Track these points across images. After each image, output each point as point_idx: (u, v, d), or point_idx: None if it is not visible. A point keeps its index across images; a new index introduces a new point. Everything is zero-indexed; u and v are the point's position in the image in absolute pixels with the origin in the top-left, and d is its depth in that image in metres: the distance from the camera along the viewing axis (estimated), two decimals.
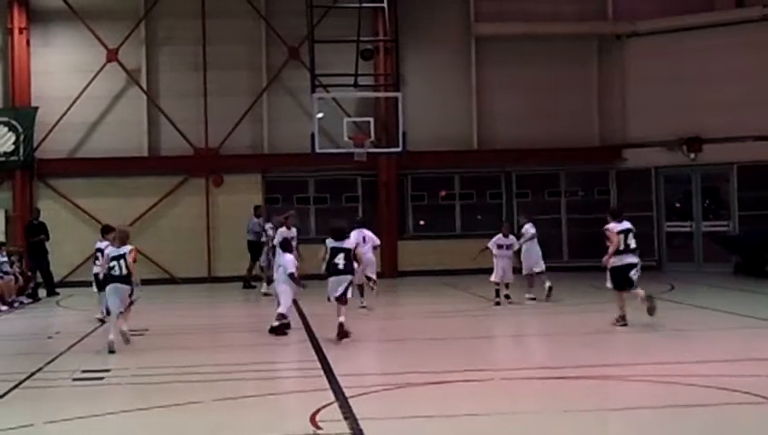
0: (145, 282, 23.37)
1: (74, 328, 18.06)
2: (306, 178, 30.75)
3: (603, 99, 31.31)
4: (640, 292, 16.50)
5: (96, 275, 18.38)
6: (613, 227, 16.81)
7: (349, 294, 15.76)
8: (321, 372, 12.29)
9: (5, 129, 29.07)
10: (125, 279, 15.09)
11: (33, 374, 12.72)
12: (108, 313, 15.96)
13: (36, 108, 29.31)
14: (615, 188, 31.47)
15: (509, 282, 20.83)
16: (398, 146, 26.93)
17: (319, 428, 9.07)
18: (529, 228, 21.92)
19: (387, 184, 30.34)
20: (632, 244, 16.67)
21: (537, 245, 21.99)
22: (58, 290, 25.59)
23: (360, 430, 8.87)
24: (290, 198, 30.31)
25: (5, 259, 23.45)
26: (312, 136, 26.12)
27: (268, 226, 24.07)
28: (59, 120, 29.42)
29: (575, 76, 31.19)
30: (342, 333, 15.22)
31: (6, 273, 23.12)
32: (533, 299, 21.09)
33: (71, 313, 21.52)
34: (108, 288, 15.28)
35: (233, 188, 30.00)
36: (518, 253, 21.41)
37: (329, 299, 15.68)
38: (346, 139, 26.53)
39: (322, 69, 26.86)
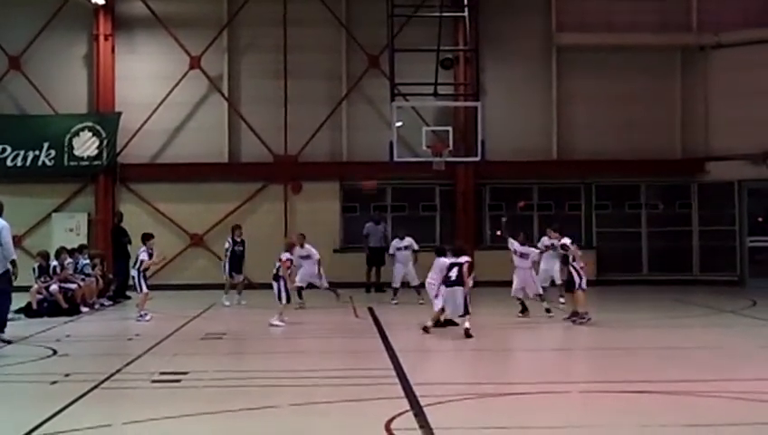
0: (222, 286, 23.79)
1: (153, 331, 18.27)
2: (384, 186, 30.79)
3: (686, 110, 30.86)
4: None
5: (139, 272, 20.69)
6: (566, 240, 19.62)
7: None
8: (397, 380, 12.25)
9: (90, 134, 29.60)
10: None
11: (112, 375, 12.88)
12: None
13: (120, 113, 29.80)
14: (696, 202, 30.99)
15: (536, 293, 20.37)
16: (476, 155, 26.82)
17: None
18: (544, 241, 21.99)
19: (464, 193, 30.25)
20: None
21: (551, 261, 22.01)
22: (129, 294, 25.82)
23: None
24: (367, 207, 30.38)
25: (88, 262, 23.83)
26: (391, 144, 26.14)
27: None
28: (141, 126, 29.88)
29: (657, 87, 30.81)
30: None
31: (88, 275, 23.49)
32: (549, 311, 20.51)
33: (150, 315, 21.77)
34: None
35: (311, 196, 30.18)
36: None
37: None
38: (424, 148, 26.53)
39: (402, 78, 26.88)
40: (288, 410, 10.51)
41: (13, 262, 16.86)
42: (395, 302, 23.64)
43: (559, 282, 22.00)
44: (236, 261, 24.14)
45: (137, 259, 21.12)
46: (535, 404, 10.98)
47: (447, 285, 17.21)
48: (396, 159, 26.19)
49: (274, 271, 19.36)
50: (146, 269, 20.95)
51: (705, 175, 30.62)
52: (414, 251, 24.20)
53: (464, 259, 17.49)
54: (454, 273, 17.18)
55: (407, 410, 10.19)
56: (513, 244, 20.63)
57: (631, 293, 26.99)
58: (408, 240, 24.32)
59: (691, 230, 30.97)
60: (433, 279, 18.22)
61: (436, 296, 17.81)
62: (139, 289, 20.88)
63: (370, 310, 22.18)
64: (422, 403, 10.50)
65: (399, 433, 9.09)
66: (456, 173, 29.73)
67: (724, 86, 30.07)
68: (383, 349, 15.58)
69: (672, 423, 9.75)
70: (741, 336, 17.90)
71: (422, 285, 20.93)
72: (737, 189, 30.34)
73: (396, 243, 24.66)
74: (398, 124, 26.86)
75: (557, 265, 22.04)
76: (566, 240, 19.79)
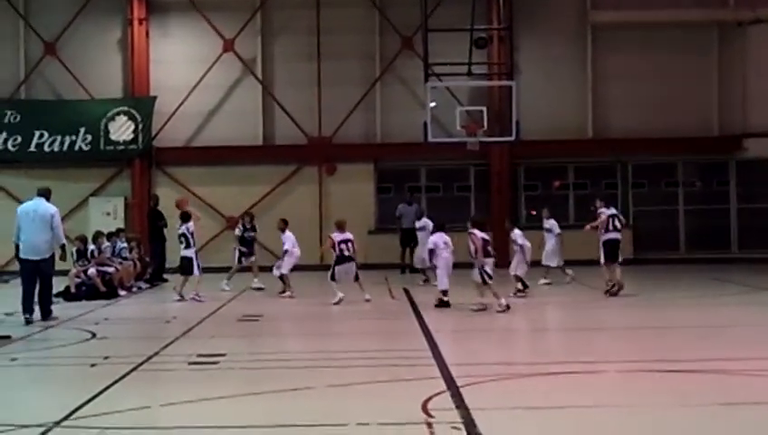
0: (261, 268, 23.87)
1: (190, 313, 18.39)
2: (418, 166, 30.77)
3: (723, 87, 30.54)
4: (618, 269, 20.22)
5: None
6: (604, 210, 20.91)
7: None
8: (433, 361, 12.26)
9: (125, 118, 29.77)
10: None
11: (150, 358, 12.98)
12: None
13: (154, 97, 29.94)
14: (734, 179, 30.72)
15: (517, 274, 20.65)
16: (511, 135, 26.70)
17: (431, 416, 9.04)
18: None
19: (499, 173, 30.16)
20: (618, 225, 20.73)
21: (548, 242, 22.99)
22: (167, 277, 26.00)
23: (472, 420, 8.81)
24: (402, 187, 30.36)
25: (125, 245, 24.00)
26: (425, 125, 26.09)
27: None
28: (176, 110, 30.02)
29: (694, 64, 30.50)
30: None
31: (126, 258, 23.66)
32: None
33: (187, 298, 21.89)
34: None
35: (345, 177, 30.20)
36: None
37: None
38: (459, 128, 26.45)
39: (436, 58, 26.80)
40: (325, 392, 10.55)
41: (63, 246, 17.22)
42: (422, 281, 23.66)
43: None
44: (248, 246, 24.31)
45: (187, 239, 21.25)
46: (571, 384, 10.95)
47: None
48: (430, 139, 26.15)
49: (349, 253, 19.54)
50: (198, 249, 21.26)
51: (743, 152, 30.32)
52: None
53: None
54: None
55: (443, 391, 10.20)
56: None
57: (668, 272, 26.81)
58: (424, 221, 24.27)
59: (729, 208, 30.70)
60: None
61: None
62: (197, 270, 21.15)
63: (405, 291, 22.19)
64: (458, 384, 10.50)
65: (436, 413, 9.10)
66: (491, 153, 29.63)
67: (762, 62, 29.75)
68: (419, 330, 15.60)
69: (709, 402, 9.70)
70: None
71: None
72: None
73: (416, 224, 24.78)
74: (432, 105, 26.79)
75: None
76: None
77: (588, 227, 21.47)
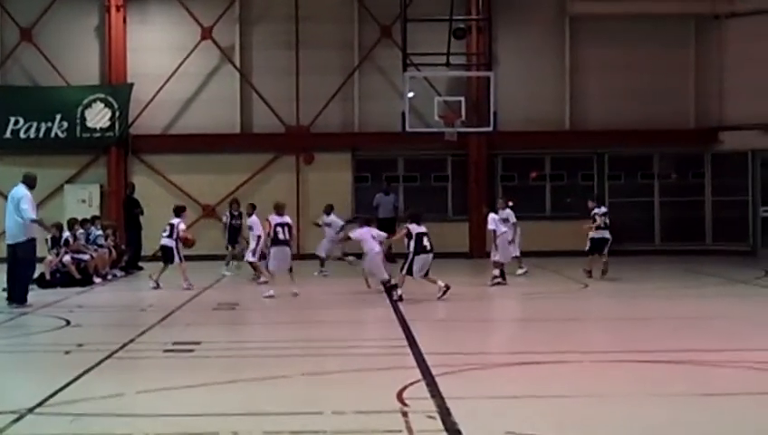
0: (235, 257, 23.82)
1: (166, 301, 18.33)
2: (396, 156, 30.77)
3: (700, 80, 30.69)
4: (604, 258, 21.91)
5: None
6: (597, 210, 22.22)
7: None
8: (408, 350, 12.27)
9: (102, 105, 29.62)
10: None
11: (125, 345, 12.93)
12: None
13: (131, 85, 29.80)
14: (710, 172, 30.87)
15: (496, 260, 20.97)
16: (488, 126, 26.75)
17: (406, 405, 9.05)
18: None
19: (477, 164, 30.21)
20: (608, 222, 22.33)
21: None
22: (142, 265, 25.96)
23: (447, 409, 8.83)
24: (379, 177, 30.37)
25: (100, 233, 23.91)
26: (403, 115, 26.10)
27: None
28: (153, 97, 29.89)
29: (671, 57, 30.63)
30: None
31: (101, 246, 23.57)
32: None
33: (162, 286, 21.86)
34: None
35: (323, 166, 30.18)
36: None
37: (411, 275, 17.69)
38: (437, 118, 26.50)
39: (414, 48, 26.80)
40: (300, 380, 10.55)
41: (35, 221, 17.37)
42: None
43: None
44: (234, 234, 24.32)
45: (173, 229, 21.21)
46: (547, 374, 10.99)
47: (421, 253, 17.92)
48: (408, 129, 26.17)
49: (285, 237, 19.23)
50: (183, 240, 21.14)
51: (719, 145, 30.49)
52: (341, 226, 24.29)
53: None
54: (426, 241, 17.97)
55: (419, 380, 10.21)
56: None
57: (643, 263, 26.95)
58: (332, 217, 24.43)
59: (704, 200, 30.88)
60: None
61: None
62: (179, 259, 21.05)
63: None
64: (434, 373, 10.52)
65: (411, 402, 9.11)
66: (469, 143, 29.67)
67: (739, 55, 29.87)
68: (395, 319, 15.62)
69: (684, 393, 9.76)
70: (752, 306, 17.86)
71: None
72: (751, 159, 30.23)
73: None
74: (411, 94, 26.79)
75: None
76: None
77: (586, 226, 22.31)
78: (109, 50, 29.98)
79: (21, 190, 17.60)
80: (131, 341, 13.34)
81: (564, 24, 30.65)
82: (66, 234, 22.43)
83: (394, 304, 17.46)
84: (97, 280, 22.39)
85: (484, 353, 12.63)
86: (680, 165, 31.43)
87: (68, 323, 15.41)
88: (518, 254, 22.84)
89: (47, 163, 29.24)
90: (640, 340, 13.57)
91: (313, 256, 24.56)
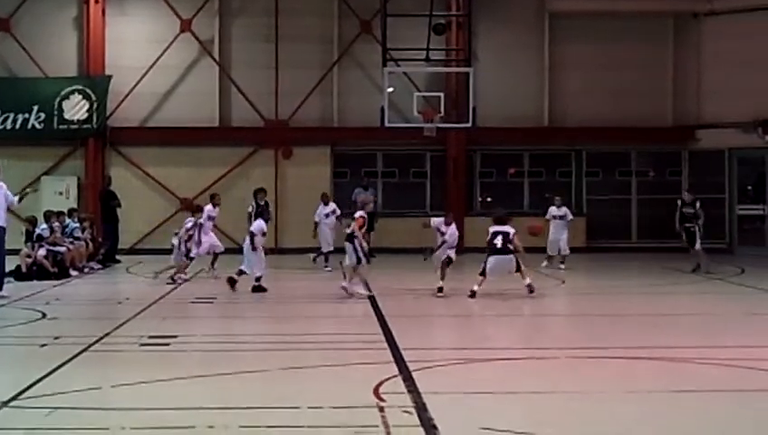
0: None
1: (143, 295, 18.29)
2: (375, 151, 30.76)
3: (678, 78, 30.81)
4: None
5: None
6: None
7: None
8: (386, 345, 12.29)
9: (79, 97, 29.47)
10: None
11: (101, 338, 12.90)
12: None
13: (110, 77, 29.65)
14: (687, 169, 31.01)
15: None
16: (467, 121, 26.79)
17: (382, 400, 9.07)
18: (552, 211, 24.15)
19: (455, 159, 30.24)
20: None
21: (560, 230, 23.90)
22: (119, 258, 25.92)
23: (424, 404, 8.85)
24: (358, 172, 30.35)
25: (77, 225, 23.79)
26: (382, 110, 26.10)
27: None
28: (132, 90, 29.76)
29: (649, 55, 30.74)
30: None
31: (78, 239, 23.46)
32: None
33: (139, 279, 21.78)
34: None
35: (302, 161, 30.14)
36: None
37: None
38: (416, 113, 26.51)
39: (394, 43, 26.79)
40: (277, 374, 10.55)
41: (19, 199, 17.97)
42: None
43: (566, 252, 23.46)
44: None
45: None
46: (522, 369, 11.04)
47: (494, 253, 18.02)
48: (387, 124, 26.17)
49: (348, 231, 18.52)
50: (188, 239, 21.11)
51: (696, 143, 30.63)
52: (337, 217, 24.29)
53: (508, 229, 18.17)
54: (499, 241, 17.97)
55: (395, 375, 10.23)
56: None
57: (620, 260, 27.06)
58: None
59: (681, 198, 30.92)
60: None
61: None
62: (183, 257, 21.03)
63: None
64: (411, 368, 10.54)
65: (388, 397, 9.13)
66: (447, 139, 29.68)
67: (717, 53, 30.00)
68: (373, 314, 15.63)
69: (659, 389, 9.81)
70: (728, 303, 17.99)
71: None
72: (727, 157, 30.40)
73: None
74: (390, 90, 26.77)
75: (565, 235, 23.53)
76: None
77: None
78: (87, 41, 29.82)
79: None
80: (108, 334, 13.30)
81: (543, 21, 30.70)
82: (42, 227, 22.30)
83: (372, 299, 17.47)
84: (74, 273, 22.28)
85: (460, 349, 12.66)
86: (658, 162, 31.56)
87: (44, 315, 15.35)
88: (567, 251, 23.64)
89: (24, 155, 29.12)
90: (616, 336, 13.63)
91: (297, 251, 24.39)
